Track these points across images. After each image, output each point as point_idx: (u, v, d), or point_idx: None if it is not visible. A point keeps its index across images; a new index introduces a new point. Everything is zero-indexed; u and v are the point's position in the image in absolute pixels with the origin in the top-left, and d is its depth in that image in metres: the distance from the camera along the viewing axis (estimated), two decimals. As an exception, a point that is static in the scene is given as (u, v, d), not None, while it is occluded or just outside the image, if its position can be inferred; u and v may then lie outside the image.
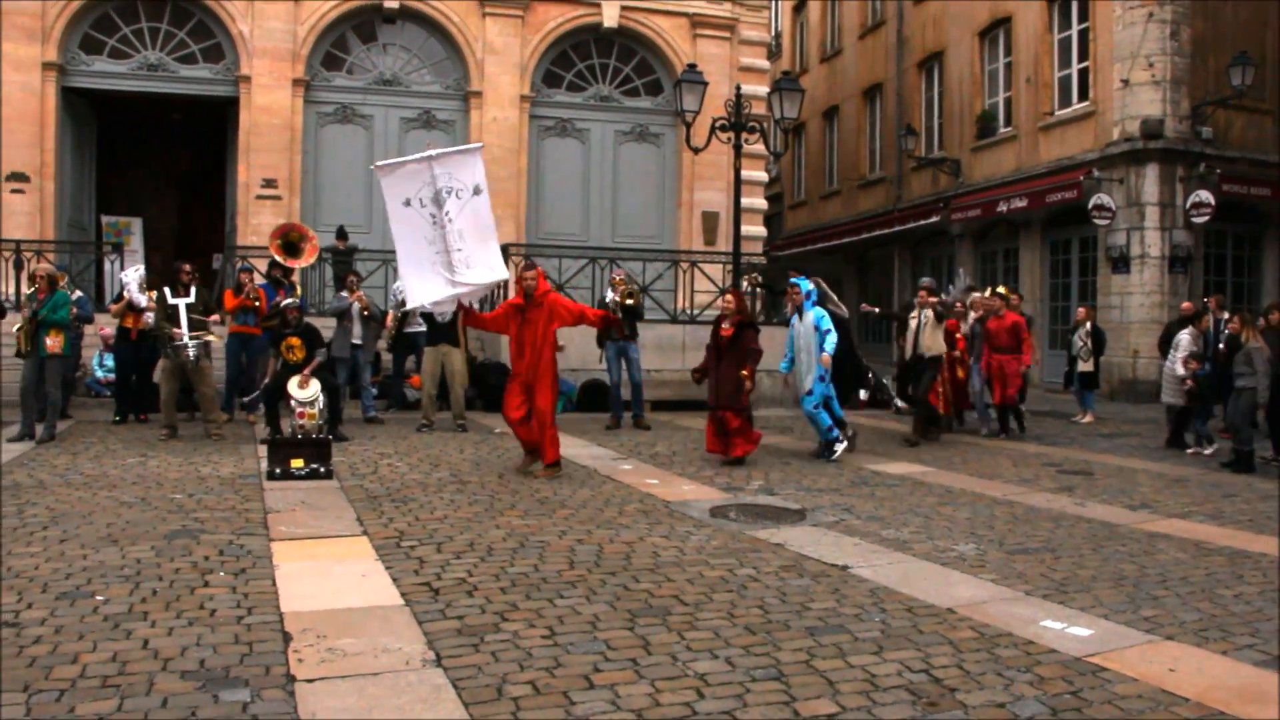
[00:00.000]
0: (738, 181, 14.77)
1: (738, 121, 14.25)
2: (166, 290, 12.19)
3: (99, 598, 5.58)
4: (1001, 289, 14.73)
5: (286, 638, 4.98)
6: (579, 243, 20.08)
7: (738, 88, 15.34)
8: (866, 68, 29.99)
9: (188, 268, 12.39)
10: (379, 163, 10.07)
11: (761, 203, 22.98)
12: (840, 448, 11.36)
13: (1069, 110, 21.65)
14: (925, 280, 13.61)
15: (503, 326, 10.17)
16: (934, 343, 12.80)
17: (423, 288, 9.87)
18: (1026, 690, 4.47)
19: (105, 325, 14.83)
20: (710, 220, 21.38)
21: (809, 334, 11.25)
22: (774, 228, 30.99)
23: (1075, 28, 21.60)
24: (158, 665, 4.62)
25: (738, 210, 14.92)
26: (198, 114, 21.77)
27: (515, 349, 9.92)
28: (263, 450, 10.45)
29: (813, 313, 11.28)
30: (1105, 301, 20.18)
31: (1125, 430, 15.09)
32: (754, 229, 21.52)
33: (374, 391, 14.18)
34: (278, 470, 9.12)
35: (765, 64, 23.03)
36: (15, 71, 18.75)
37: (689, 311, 17.38)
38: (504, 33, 20.73)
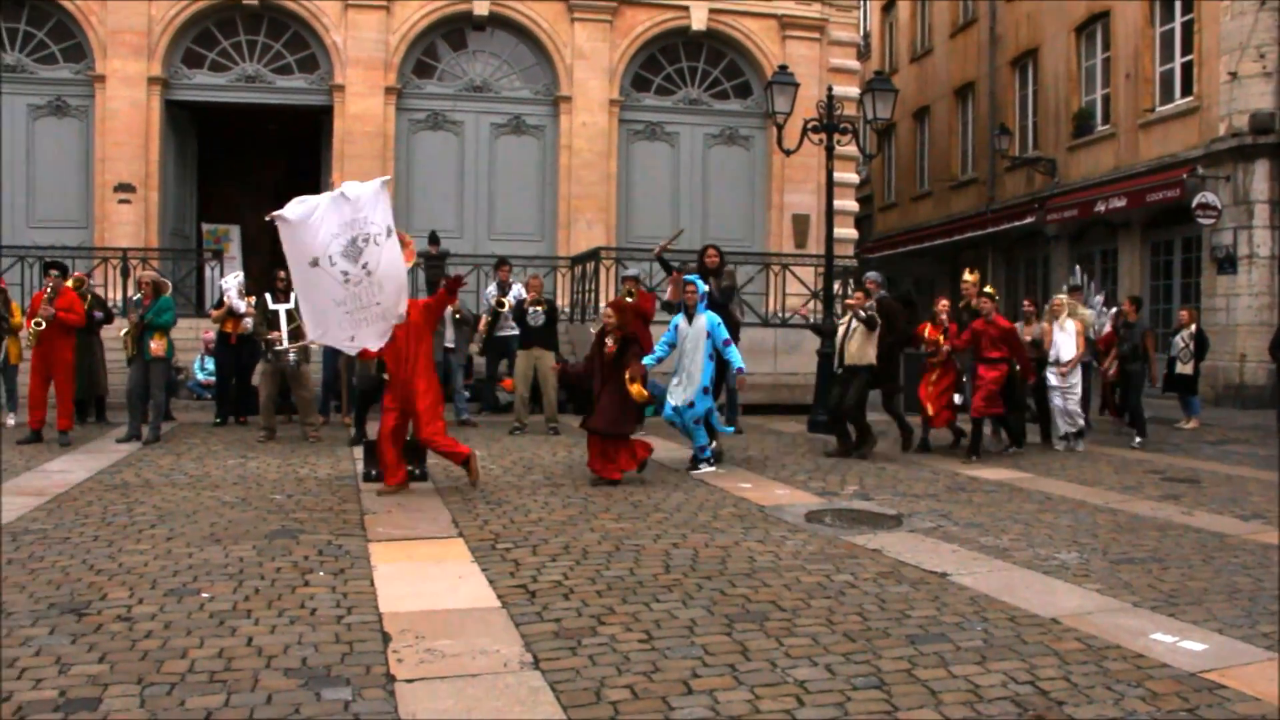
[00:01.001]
0: (830, 184, 14.62)
1: (830, 123, 14.09)
2: (266, 296, 12.45)
3: (205, 595, 5.70)
4: (989, 288, 13.22)
5: (386, 638, 5.03)
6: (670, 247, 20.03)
7: (829, 89, 15.19)
8: (958, 67, 29.55)
9: (283, 274, 12.62)
10: (276, 213, 8.34)
11: (853, 205, 22.76)
12: (706, 468, 10.24)
13: (1171, 106, 21.07)
14: (871, 275, 12.82)
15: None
16: (863, 352, 11.60)
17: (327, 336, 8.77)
18: (1139, 706, 4.32)
19: (207, 329, 15.20)
20: (800, 223, 21.24)
21: (698, 338, 10.14)
22: (864, 230, 30.66)
23: (1178, 20, 21.00)
24: (262, 662, 4.69)
25: (830, 213, 14.75)
26: (293, 123, 22.23)
27: (390, 360, 8.99)
28: (358, 452, 10.64)
29: (705, 316, 10.21)
30: (1209, 304, 19.59)
31: (1232, 437, 14.61)
32: (845, 231, 21.33)
33: (467, 394, 14.31)
34: (374, 472, 9.24)
35: (855, 64, 22.83)
36: (123, 87, 19.38)
37: (780, 315, 17.28)
38: (593, 37, 20.82)
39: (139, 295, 12.26)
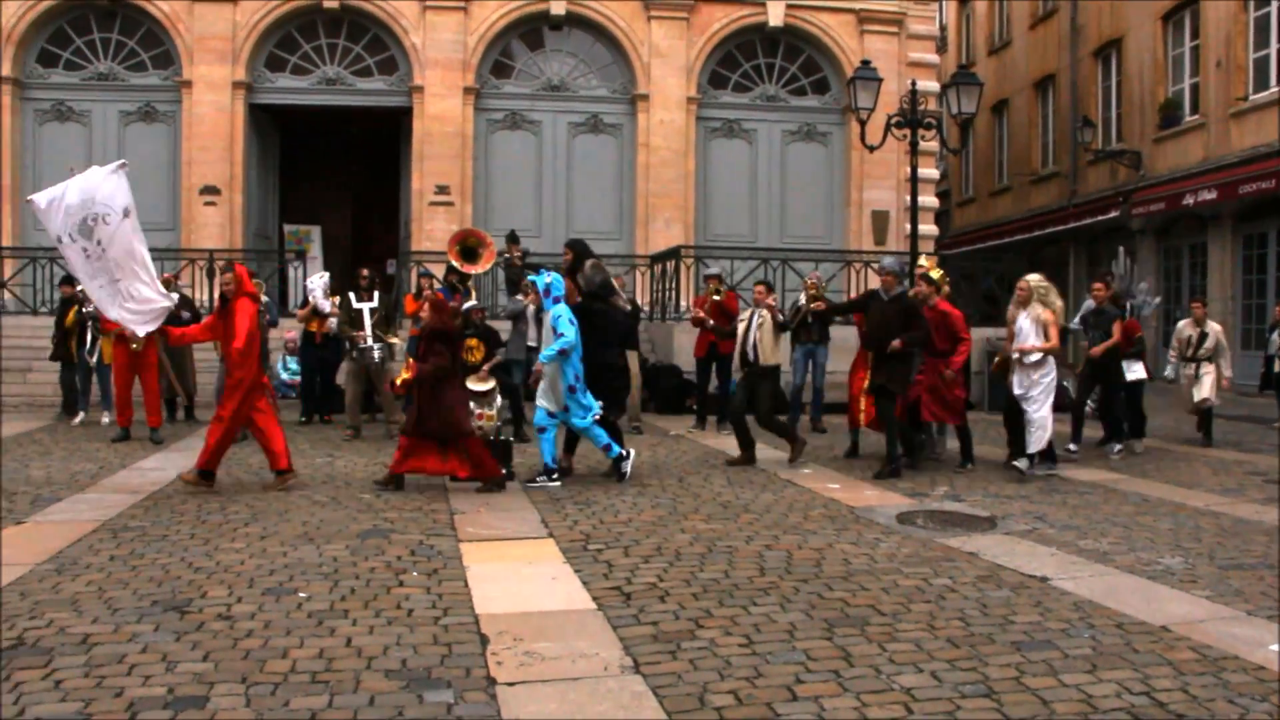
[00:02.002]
0: (914, 179, 14.45)
1: (914, 118, 13.91)
2: (350, 295, 12.58)
3: (302, 594, 5.75)
4: (934, 272, 11.58)
5: (484, 640, 5.02)
6: (748, 244, 19.97)
7: (913, 83, 15.01)
8: (1038, 59, 28.99)
9: (366, 272, 12.79)
10: (30, 198, 8.95)
11: (933, 200, 22.49)
12: (628, 465, 9.55)
13: (1265, 94, 20.43)
14: (888, 264, 11.27)
15: (209, 335, 9.53)
16: (773, 352, 10.74)
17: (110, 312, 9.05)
18: (1265, 720, 4.17)
19: (290, 329, 15.41)
20: (880, 219, 21.01)
21: (549, 338, 9.47)
22: (942, 225, 30.24)
23: (1274, 4, 20.36)
24: (362, 663, 4.71)
25: (915, 209, 14.59)
26: (372, 124, 22.49)
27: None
28: (445, 451, 10.68)
29: (551, 312, 9.43)
30: (1307, 298, 18.99)
31: (1334, 435, 14.16)
32: (925, 227, 21.05)
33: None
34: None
35: (934, 58, 22.55)
36: (208, 91, 19.77)
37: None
38: (669, 35, 20.78)
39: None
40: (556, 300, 9.40)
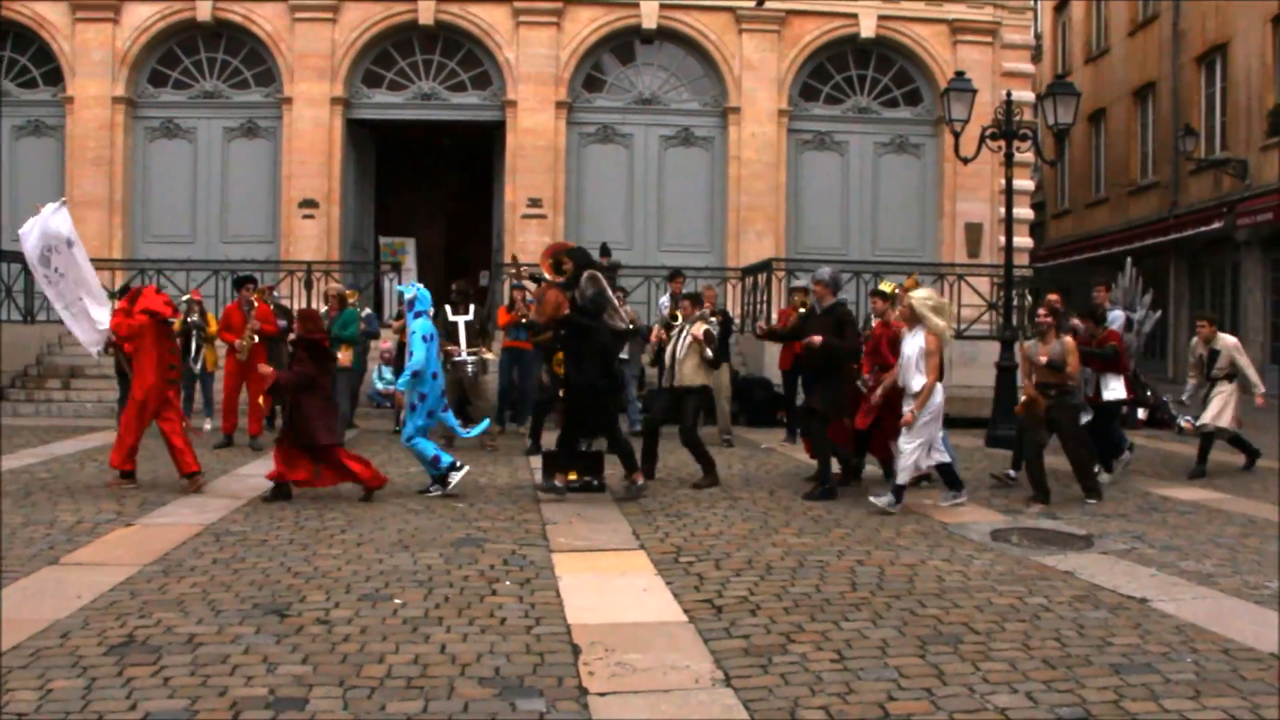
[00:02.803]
0: (1009, 191, 14.18)
1: (1009, 129, 13.68)
2: (445, 308, 12.78)
3: (397, 601, 5.86)
4: (885, 285, 10.90)
5: (575, 650, 5.07)
6: (840, 256, 19.82)
7: (1007, 94, 14.76)
8: (1137, 66, 28.36)
9: (461, 285, 13.00)
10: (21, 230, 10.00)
11: (1028, 212, 22.09)
12: (456, 477, 9.26)
13: (1379, 103, 19.78)
14: (821, 274, 10.24)
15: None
16: (696, 373, 10.22)
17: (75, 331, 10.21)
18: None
19: (386, 340, 15.70)
20: (974, 232, 20.71)
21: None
22: (1036, 238, 29.70)
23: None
24: (456, 670, 4.79)
25: (1010, 221, 14.31)
26: (466, 138, 22.81)
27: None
28: (535, 461, 10.81)
29: (409, 328, 9.51)
30: None
31: None
32: (1020, 240, 20.66)
33: (639, 405, 14.39)
34: (556, 484, 9.34)
35: (1029, 68, 22.18)
36: (308, 107, 20.26)
37: (955, 327, 16.85)
38: (761, 48, 20.76)
39: (326, 308, 12.73)
40: (418, 315, 9.44)
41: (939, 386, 8.87)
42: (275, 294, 14.60)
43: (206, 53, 20.94)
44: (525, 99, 20.44)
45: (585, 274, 9.43)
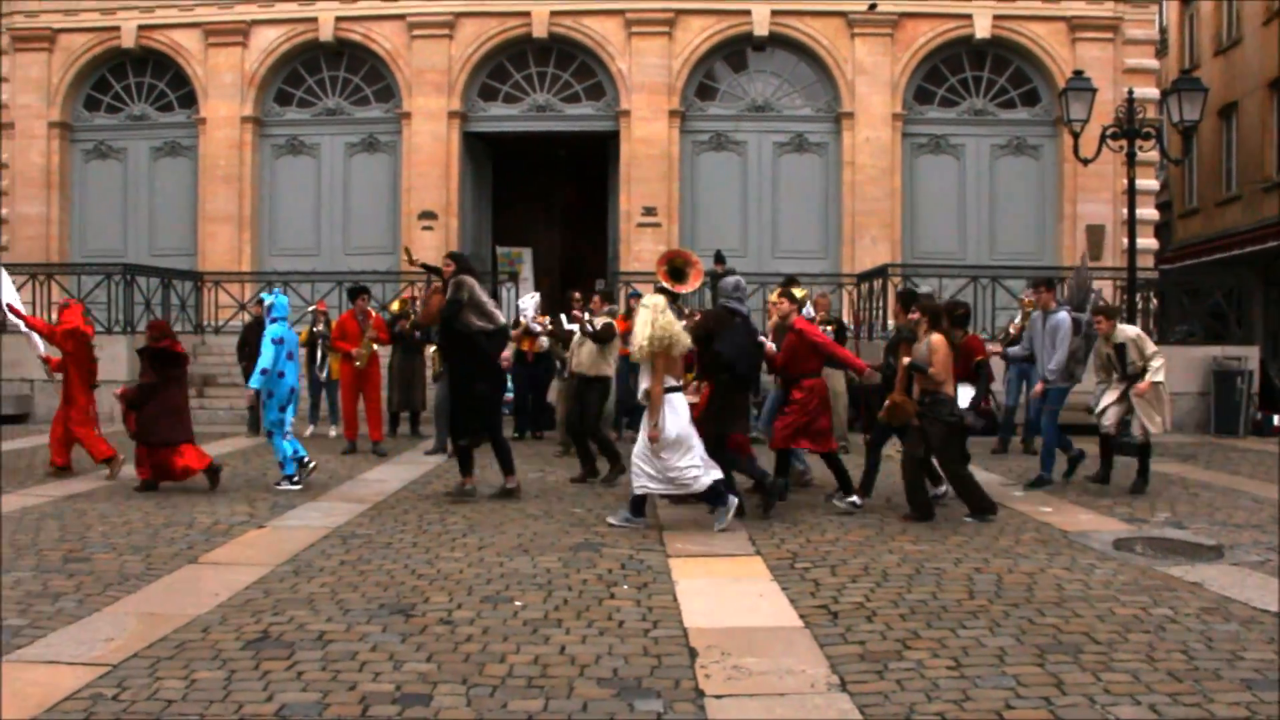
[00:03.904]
0: (1132, 192, 13.86)
1: (1131, 128, 13.37)
2: (562, 316, 12.98)
3: (517, 603, 6.00)
4: (796, 289, 10.74)
5: (692, 653, 5.14)
6: (956, 261, 19.56)
7: (1129, 92, 14.42)
8: (1272, 56, 27.24)
9: (578, 295, 13.18)
10: None
11: (1152, 213, 21.49)
12: (291, 483, 9.93)
13: None
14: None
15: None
16: (595, 364, 10.66)
17: None
18: None
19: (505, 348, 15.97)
20: (1095, 234, 20.20)
21: None
22: (1162, 238, 28.81)
23: None
24: (575, 671, 4.89)
25: (1133, 222, 13.99)
26: (581, 148, 23.06)
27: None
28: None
29: (266, 329, 10.26)
30: None
31: None
32: (1145, 241, 20.12)
33: (755, 411, 14.38)
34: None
35: (1153, 63, 21.58)
36: (426, 121, 20.78)
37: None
38: (873, 52, 20.59)
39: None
40: (274, 321, 10.25)
41: (671, 398, 8.22)
42: (414, 304, 14.94)
43: (329, 71, 21.63)
44: (638, 108, 20.62)
45: (459, 278, 9.52)
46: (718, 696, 4.58)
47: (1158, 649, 5.23)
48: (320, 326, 14.47)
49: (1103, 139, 13.88)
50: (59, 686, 4.66)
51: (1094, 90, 14.08)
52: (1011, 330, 13.22)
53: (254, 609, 5.85)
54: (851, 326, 17.10)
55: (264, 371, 10.03)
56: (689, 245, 18.86)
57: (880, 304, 17.21)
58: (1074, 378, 10.53)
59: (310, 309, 15.33)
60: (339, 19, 21.04)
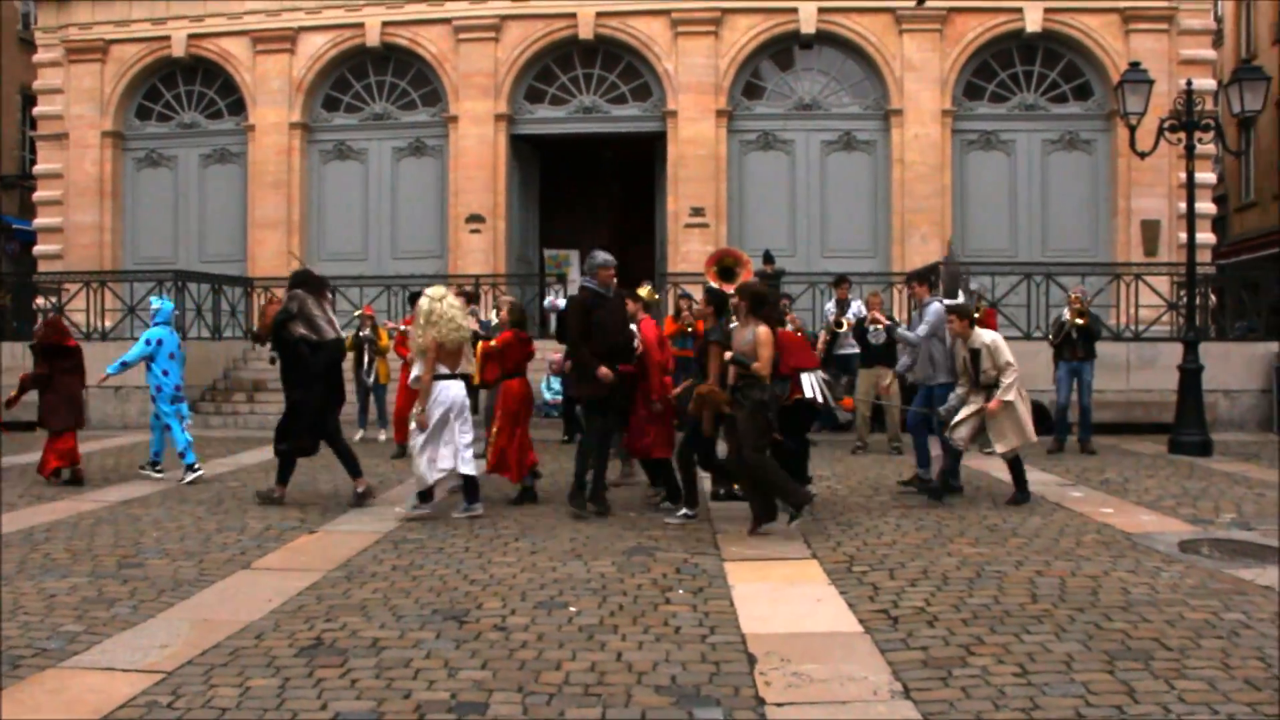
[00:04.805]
0: (1190, 185, 13.53)
1: (1190, 120, 13.06)
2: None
3: (572, 609, 5.93)
4: (643, 289, 10.86)
5: (751, 659, 5.04)
6: (1008, 258, 19.29)
7: (1188, 83, 14.08)
8: (1333, 48, 26.73)
9: (627, 298, 13.05)
10: None
11: (1209, 207, 21.05)
12: (191, 476, 10.84)
13: None
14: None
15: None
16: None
17: None
18: None
19: (555, 350, 15.92)
20: (1150, 229, 19.82)
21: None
22: (1218, 232, 28.28)
23: None
24: (632, 678, 4.81)
25: (1192, 217, 13.67)
26: (628, 149, 22.99)
27: None
28: (703, 470, 10.78)
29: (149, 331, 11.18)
30: None
31: None
32: (1202, 236, 19.71)
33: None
34: (722, 491, 9.35)
35: (1210, 54, 21.11)
36: (473, 125, 20.82)
37: (1133, 328, 16.22)
38: (922, 48, 20.35)
39: (496, 321, 12.98)
40: (156, 325, 11.28)
41: (440, 384, 8.68)
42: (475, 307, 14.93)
43: (375, 76, 21.74)
44: (685, 109, 20.52)
45: (289, 291, 9.82)
46: (778, 704, 4.49)
47: (1233, 655, 5.06)
48: (367, 331, 14.51)
49: (1160, 132, 13.55)
50: (115, 693, 4.65)
51: (1151, 82, 13.76)
52: (1066, 323, 12.99)
53: (307, 615, 5.83)
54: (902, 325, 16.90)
55: (123, 363, 11.19)
56: (737, 245, 18.66)
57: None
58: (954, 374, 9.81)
59: (357, 314, 15.38)
60: (385, 24, 21.13)
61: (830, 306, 14.68)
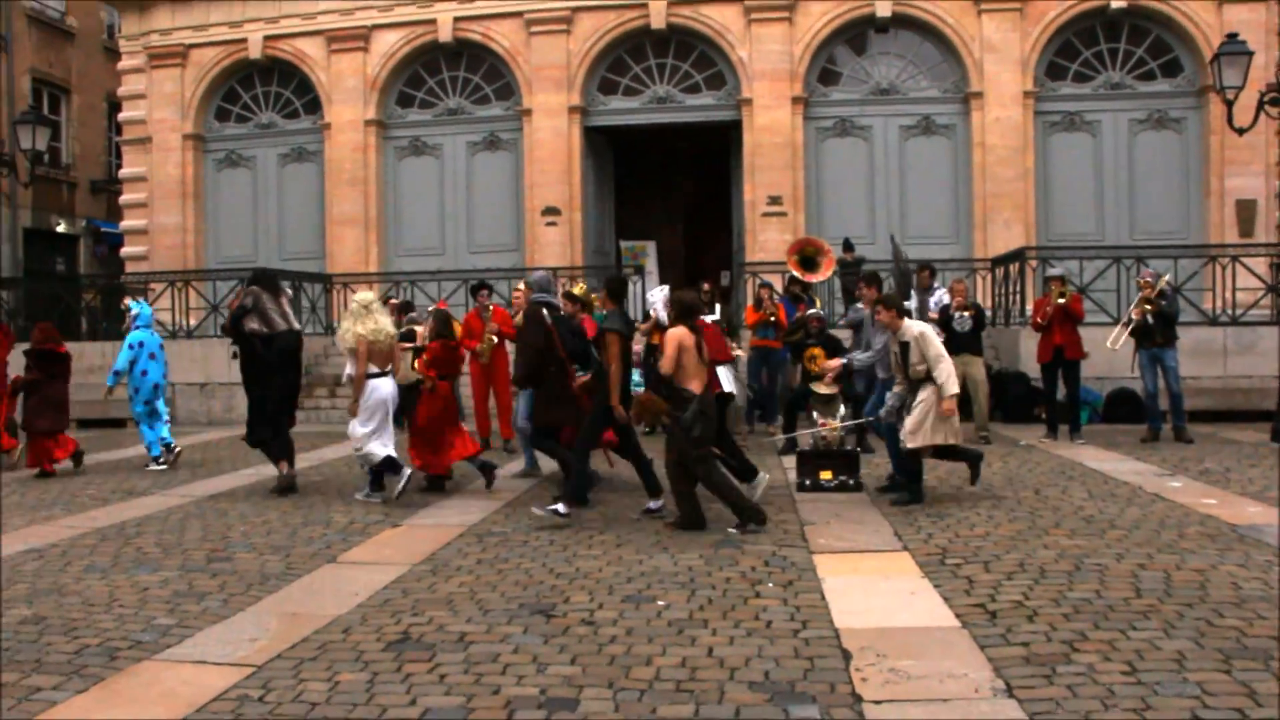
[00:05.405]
0: (1289, 162, 13.08)
1: (1292, 93, 12.59)
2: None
3: (660, 602, 5.83)
4: (576, 289, 10.89)
5: (846, 655, 4.91)
6: (1095, 242, 18.81)
7: (1287, 55, 13.58)
8: None
9: (707, 286, 12.99)
10: None
11: (1311, 185, 20.32)
12: (157, 467, 11.57)
13: None
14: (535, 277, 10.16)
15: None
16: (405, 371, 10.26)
17: None
18: None
19: (636, 342, 15.84)
20: (1246, 209, 19.18)
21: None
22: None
23: None
24: (725, 674, 4.70)
25: (1290, 195, 13.20)
26: (702, 139, 22.84)
27: None
28: (789, 461, 10.67)
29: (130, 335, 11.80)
30: None
31: None
32: (1303, 215, 19.12)
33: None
34: (807, 481, 9.21)
35: (1313, 22, 20.34)
36: (547, 118, 20.82)
37: (1229, 312, 15.69)
38: (1001, 28, 19.90)
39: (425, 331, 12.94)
40: (136, 328, 11.75)
41: (374, 382, 9.42)
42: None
43: (449, 71, 21.84)
44: (760, 96, 20.30)
45: (247, 288, 10.39)
46: (876, 702, 4.35)
47: (1361, 655, 4.80)
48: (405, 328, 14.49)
49: (1260, 106, 13.06)
50: (208, 686, 4.67)
51: (1250, 54, 13.26)
52: (1134, 315, 12.51)
53: (393, 609, 5.80)
54: (989, 312, 16.57)
55: (116, 372, 11.63)
56: (815, 233, 18.47)
57: (1017, 288, 16.63)
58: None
59: (430, 309, 15.39)
60: (457, 19, 21.20)
61: (940, 295, 14.25)
